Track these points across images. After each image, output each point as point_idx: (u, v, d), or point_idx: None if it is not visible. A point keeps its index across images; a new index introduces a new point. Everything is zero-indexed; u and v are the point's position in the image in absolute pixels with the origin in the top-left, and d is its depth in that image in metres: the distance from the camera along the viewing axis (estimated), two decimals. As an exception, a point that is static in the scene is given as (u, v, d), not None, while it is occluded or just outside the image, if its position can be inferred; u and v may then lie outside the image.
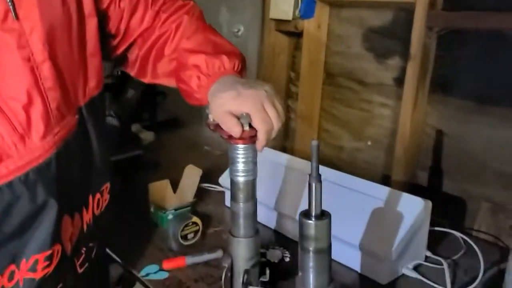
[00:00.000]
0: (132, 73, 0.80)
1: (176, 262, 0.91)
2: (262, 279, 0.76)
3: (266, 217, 1.06)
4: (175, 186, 1.14)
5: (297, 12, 1.40)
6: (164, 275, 0.89)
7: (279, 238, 1.04)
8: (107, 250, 0.97)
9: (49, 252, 0.60)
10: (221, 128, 0.67)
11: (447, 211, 1.17)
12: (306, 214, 0.59)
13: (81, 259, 0.69)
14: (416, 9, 1.11)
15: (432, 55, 1.17)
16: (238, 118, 0.65)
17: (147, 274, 0.89)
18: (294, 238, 1.03)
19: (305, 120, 1.52)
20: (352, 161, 1.44)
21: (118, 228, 1.06)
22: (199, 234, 0.99)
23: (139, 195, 1.18)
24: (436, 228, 1.01)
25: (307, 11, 1.39)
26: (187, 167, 1.15)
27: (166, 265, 0.90)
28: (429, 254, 0.94)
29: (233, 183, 0.71)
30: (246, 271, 0.72)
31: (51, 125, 0.58)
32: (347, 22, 1.39)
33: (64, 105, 0.60)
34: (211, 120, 0.68)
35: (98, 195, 0.71)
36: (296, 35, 1.51)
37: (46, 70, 0.57)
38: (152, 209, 1.09)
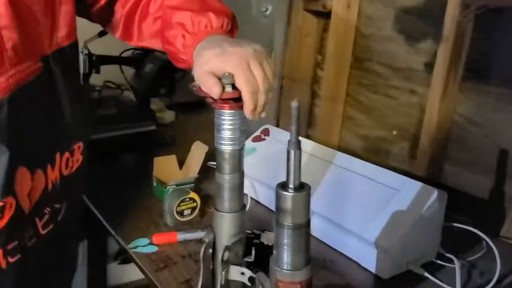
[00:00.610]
0: (117, 34, 0.77)
1: (167, 237, 0.87)
2: (247, 259, 0.70)
3: (268, 198, 1.00)
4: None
5: (326, -10, 1.33)
6: (152, 248, 0.85)
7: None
8: (104, 222, 0.95)
9: (0, 204, 0.56)
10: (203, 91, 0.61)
11: (473, 209, 1.06)
12: (283, 185, 0.52)
13: (45, 219, 0.65)
14: (451, -17, 1.01)
15: (468, 37, 1.06)
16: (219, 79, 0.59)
17: (136, 247, 0.85)
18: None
19: (329, 106, 1.44)
20: (375, 150, 1.35)
21: (119, 200, 1.04)
22: (196, 211, 0.95)
23: (149, 170, 1.16)
24: (456, 225, 0.91)
25: (336, -11, 1.31)
26: (194, 143, 1.11)
27: (156, 239, 0.86)
28: (443, 252, 0.85)
29: (218, 152, 0.66)
30: (227, 248, 0.66)
31: (5, 66, 0.54)
32: (379, 2, 1.29)
33: (23, 49, 0.56)
34: (197, 82, 0.63)
35: (67, 154, 0.67)
36: (326, 16, 1.43)
37: (1, 7, 0.52)
38: (154, 184, 1.06)
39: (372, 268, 0.80)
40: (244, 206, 0.69)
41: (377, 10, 1.30)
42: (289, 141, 0.51)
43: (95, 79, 1.40)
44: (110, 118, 1.28)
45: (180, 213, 0.93)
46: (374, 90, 1.34)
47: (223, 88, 0.59)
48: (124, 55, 1.38)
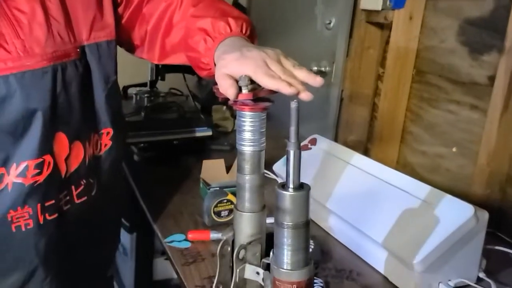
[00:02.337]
0: (142, 53, 0.85)
1: (200, 235, 0.91)
2: (265, 260, 0.71)
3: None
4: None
5: (388, 2, 1.31)
6: (186, 244, 0.89)
7: (312, 225, 0.97)
8: (148, 215, 1.02)
9: (39, 160, 0.66)
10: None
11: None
12: (283, 185, 0.53)
13: (79, 189, 0.74)
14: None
15: (533, 50, 0.99)
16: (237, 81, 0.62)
17: (172, 241, 0.90)
18: (326, 228, 0.96)
19: (389, 120, 1.40)
20: (434, 168, 1.29)
21: (168, 198, 1.10)
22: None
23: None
24: (501, 248, 0.84)
25: (398, 1, 1.28)
26: (242, 149, 1.14)
27: (191, 236, 0.91)
28: (483, 276, 0.79)
29: (239, 153, 0.68)
30: (243, 246, 0.68)
31: (51, 42, 0.65)
32: (443, 13, 1.24)
33: (66, 34, 0.67)
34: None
35: (96, 136, 0.76)
36: (389, 27, 1.40)
37: None
38: (201, 185, 1.11)
39: (399, 283, 0.77)
40: (264, 207, 0.70)
41: (440, 21, 1.25)
42: (288, 141, 0.52)
43: (162, 86, 1.50)
44: (171, 122, 1.37)
45: (218, 214, 0.96)
46: (435, 105, 1.28)
47: (240, 90, 0.62)
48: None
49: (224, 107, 1.58)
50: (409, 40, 1.32)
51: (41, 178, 0.67)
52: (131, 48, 0.86)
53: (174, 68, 1.41)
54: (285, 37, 1.86)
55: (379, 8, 1.32)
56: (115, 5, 0.77)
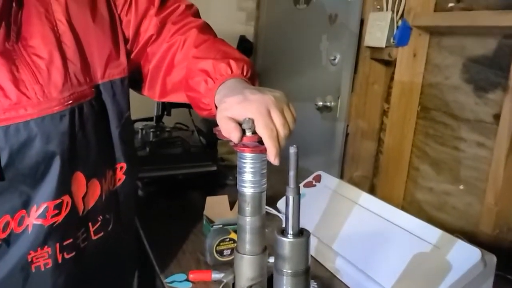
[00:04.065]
0: (144, 90, 0.86)
1: (202, 275, 0.89)
2: (266, 305, 0.70)
3: (312, 246, 0.98)
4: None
5: (391, 40, 1.32)
6: (187, 285, 0.88)
7: (317, 266, 0.95)
8: (150, 254, 1.00)
9: (58, 201, 0.66)
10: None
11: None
12: (282, 231, 0.53)
13: (97, 226, 0.75)
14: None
15: (538, 88, 0.99)
16: (240, 124, 0.62)
17: (173, 282, 0.89)
18: (331, 270, 0.94)
19: (395, 156, 1.39)
20: (440, 205, 1.27)
21: (170, 235, 1.09)
22: (236, 252, 0.96)
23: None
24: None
25: (401, 39, 1.30)
26: (246, 185, 1.13)
27: (192, 276, 0.89)
28: (493, 322, 0.76)
29: (240, 194, 0.67)
30: (243, 290, 0.67)
31: (68, 85, 0.67)
32: (446, 51, 1.25)
33: (82, 76, 0.69)
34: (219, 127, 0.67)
35: (111, 172, 0.77)
36: (393, 65, 1.41)
37: (67, 40, 0.67)
38: (204, 222, 1.10)
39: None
40: (265, 248, 0.69)
41: (444, 58, 1.26)
42: (287, 186, 0.51)
43: (168, 121, 1.51)
44: (176, 157, 1.37)
45: (220, 253, 0.95)
46: (441, 142, 1.28)
47: (244, 132, 0.62)
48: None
49: (231, 142, 1.58)
50: (414, 77, 1.33)
51: (59, 218, 0.68)
52: (133, 85, 0.87)
53: (180, 103, 1.42)
54: (291, 72, 1.88)
55: (383, 45, 1.33)
56: (125, 42, 0.79)
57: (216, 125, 0.69)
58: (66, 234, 0.70)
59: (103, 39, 0.74)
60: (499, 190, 1.02)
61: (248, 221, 0.67)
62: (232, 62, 0.70)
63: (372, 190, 1.52)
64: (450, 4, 1.22)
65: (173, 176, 1.35)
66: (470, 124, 1.18)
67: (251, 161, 0.65)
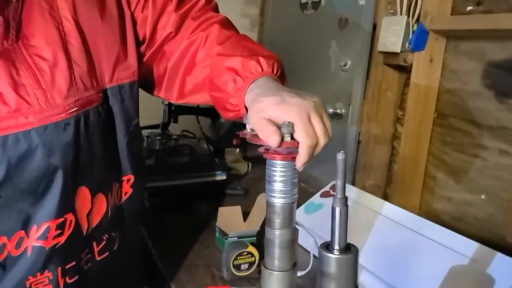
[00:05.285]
0: (160, 92, 0.80)
1: (221, 292, 0.83)
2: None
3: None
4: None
5: (407, 44, 1.28)
6: (205, 303, 0.82)
7: None
8: (162, 269, 0.95)
9: (61, 219, 0.59)
10: (258, 138, 0.59)
11: None
12: (327, 246, 0.47)
13: (101, 245, 0.68)
14: (545, 35, 0.91)
15: None
16: (280, 127, 0.57)
17: (189, 299, 0.83)
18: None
19: (410, 165, 1.34)
20: (460, 216, 1.22)
21: (181, 248, 1.03)
22: (254, 266, 0.90)
23: (215, 220, 1.15)
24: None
25: (418, 43, 1.26)
26: (260, 195, 1.08)
27: (210, 292, 0.83)
28: None
29: (269, 205, 0.62)
30: (272, 311, 0.61)
31: (73, 90, 0.60)
32: (465, 55, 1.21)
33: (88, 79, 0.62)
34: (249, 129, 0.62)
35: (117, 185, 0.70)
36: (407, 70, 1.37)
37: (73, 40, 0.61)
38: (217, 234, 1.04)
39: None
40: (295, 264, 0.64)
41: (462, 64, 1.22)
42: (334, 197, 0.46)
43: (174, 129, 1.45)
44: (183, 166, 1.31)
45: (237, 267, 0.89)
46: (460, 149, 1.23)
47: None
48: (202, 106, 1.43)
49: (238, 150, 1.53)
50: (430, 83, 1.29)
51: (62, 239, 0.61)
52: (147, 86, 0.81)
53: (187, 110, 1.38)
54: (298, 79, 1.83)
55: (398, 50, 1.29)
56: (137, 43, 0.73)
57: (242, 129, 0.64)
58: (69, 257, 0.63)
59: (112, 40, 0.68)
60: (527, 199, 0.97)
61: (278, 234, 0.62)
62: (261, 60, 0.65)
63: (385, 200, 1.47)
64: (469, 8, 1.18)
65: (181, 186, 1.29)
66: (492, 131, 1.14)
67: (282, 169, 0.60)
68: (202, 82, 0.73)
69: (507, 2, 1.08)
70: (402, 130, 1.41)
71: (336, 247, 0.46)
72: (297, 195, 0.62)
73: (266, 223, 0.63)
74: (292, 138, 0.57)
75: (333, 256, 0.46)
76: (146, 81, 0.78)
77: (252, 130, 0.61)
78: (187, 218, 1.23)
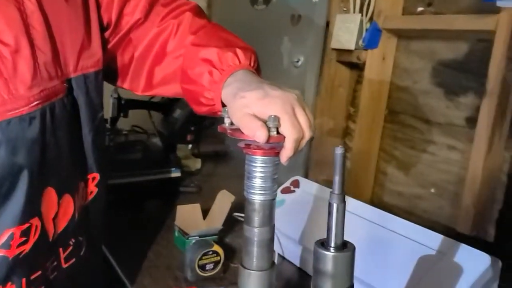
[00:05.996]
0: (124, 83, 0.74)
1: (188, 294, 0.80)
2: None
3: (296, 255, 0.92)
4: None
5: (360, 42, 1.31)
6: (172, 306, 0.78)
7: (303, 277, 0.90)
8: (121, 274, 0.89)
9: (26, 225, 0.53)
10: (241, 133, 0.57)
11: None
12: (322, 243, 0.46)
13: (68, 251, 0.62)
14: (496, 36, 0.96)
15: (514, 93, 1.01)
16: (264, 122, 0.55)
17: (155, 303, 0.79)
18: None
19: (362, 160, 1.37)
20: (411, 209, 1.27)
21: (138, 250, 0.98)
22: (219, 266, 0.88)
23: (171, 218, 1.10)
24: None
25: (371, 41, 1.29)
26: (220, 192, 1.05)
27: (176, 295, 0.79)
28: (495, 328, 0.75)
29: (248, 202, 0.60)
30: (252, 312, 0.59)
31: (37, 80, 0.54)
32: (415, 54, 1.26)
33: (52, 67, 0.56)
34: (227, 124, 0.59)
35: (82, 184, 0.65)
36: (359, 68, 1.40)
37: (36, 23, 0.54)
38: (176, 233, 1.00)
39: None
40: (273, 263, 0.62)
41: (413, 63, 1.26)
42: (331, 193, 0.45)
43: (123, 123, 1.38)
44: (135, 163, 1.25)
45: (202, 268, 0.86)
46: (410, 145, 1.28)
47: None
48: (153, 100, 1.37)
49: (190, 146, 1.49)
50: (382, 80, 1.32)
51: (27, 247, 0.55)
52: (110, 76, 0.75)
53: (139, 104, 1.31)
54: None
55: (352, 47, 1.31)
56: (101, 29, 0.67)
57: (220, 123, 0.61)
58: (34, 266, 0.57)
59: (76, 25, 0.61)
60: (476, 192, 1.03)
61: (257, 232, 0.60)
62: (239, 52, 0.62)
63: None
64: (420, 8, 1.22)
65: (134, 183, 1.23)
66: (441, 128, 1.19)
67: (263, 165, 0.58)
68: (173, 73, 0.69)
69: (456, 4, 1.13)
70: (354, 126, 1.44)
71: (333, 244, 0.45)
72: (277, 192, 0.60)
73: (244, 221, 0.61)
74: (278, 132, 0.55)
75: (330, 254, 0.45)
76: (109, 70, 0.72)
77: (232, 124, 0.58)
78: (141, 217, 1.17)
